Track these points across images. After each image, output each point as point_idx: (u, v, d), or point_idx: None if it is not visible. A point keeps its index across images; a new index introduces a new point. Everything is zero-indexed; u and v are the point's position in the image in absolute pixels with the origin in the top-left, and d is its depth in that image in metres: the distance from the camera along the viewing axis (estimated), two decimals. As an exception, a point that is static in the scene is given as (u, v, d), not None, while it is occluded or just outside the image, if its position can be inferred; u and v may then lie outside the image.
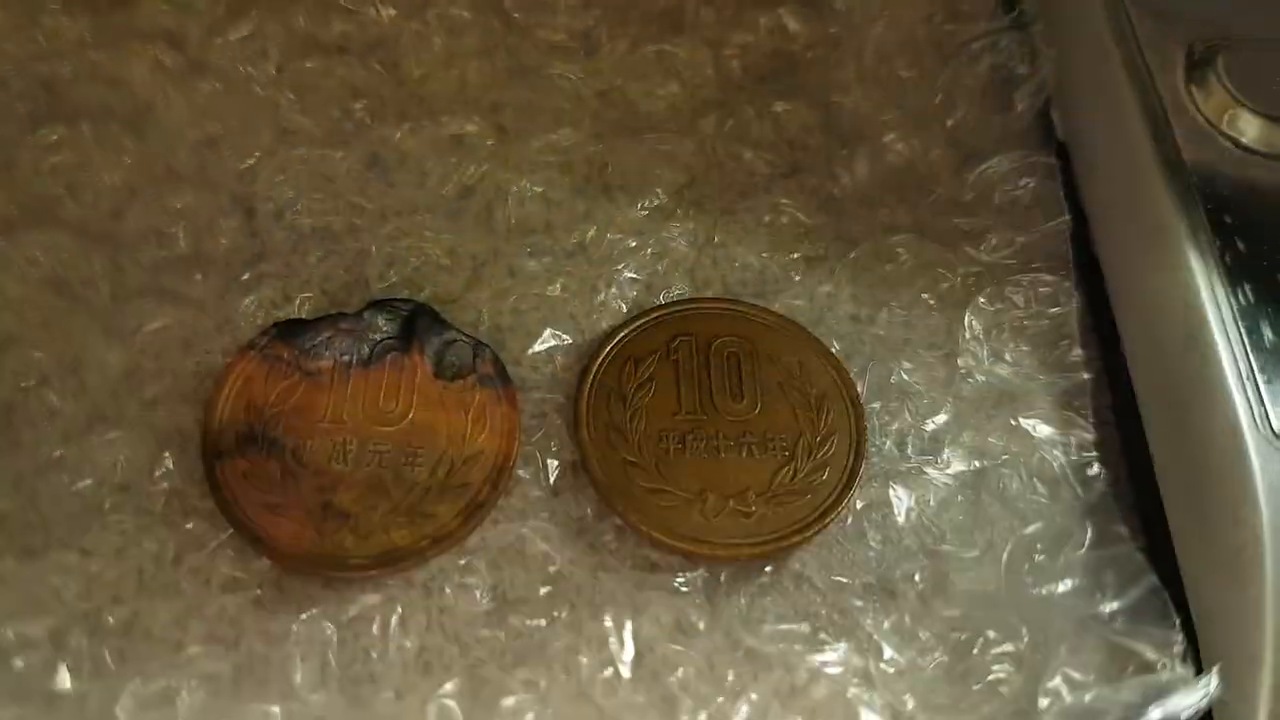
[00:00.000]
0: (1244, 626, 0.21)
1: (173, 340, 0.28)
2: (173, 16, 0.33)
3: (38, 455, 0.26)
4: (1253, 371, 0.23)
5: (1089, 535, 0.24)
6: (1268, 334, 0.23)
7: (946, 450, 0.26)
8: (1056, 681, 0.22)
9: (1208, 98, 0.27)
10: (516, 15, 0.32)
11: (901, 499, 0.25)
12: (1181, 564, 0.23)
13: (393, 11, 0.32)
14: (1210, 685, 0.21)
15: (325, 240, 0.30)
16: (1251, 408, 0.22)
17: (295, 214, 0.30)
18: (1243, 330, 0.23)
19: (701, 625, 0.24)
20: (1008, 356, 0.27)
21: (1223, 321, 0.23)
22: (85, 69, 0.32)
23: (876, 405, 0.27)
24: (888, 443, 0.26)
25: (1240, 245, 0.25)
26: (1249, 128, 0.26)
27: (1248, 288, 0.24)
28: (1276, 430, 0.22)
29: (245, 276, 0.29)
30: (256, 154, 0.31)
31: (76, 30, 0.33)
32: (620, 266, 0.29)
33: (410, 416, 0.26)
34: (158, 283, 0.29)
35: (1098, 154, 0.28)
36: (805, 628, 0.24)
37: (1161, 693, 0.21)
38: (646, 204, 0.30)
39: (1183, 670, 0.22)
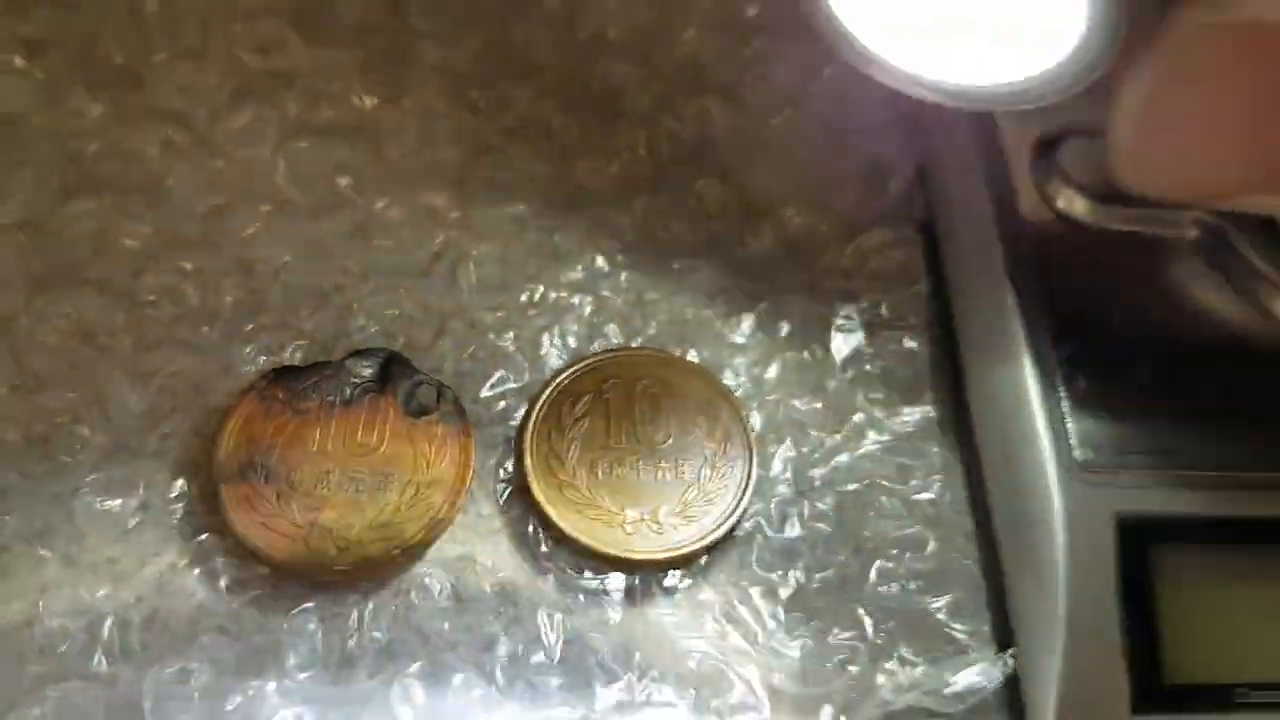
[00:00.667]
0: (1046, 621, 0.26)
1: (185, 383, 0.33)
2: (182, 99, 0.38)
3: (74, 479, 0.31)
4: (1061, 413, 0.28)
5: (931, 546, 0.30)
6: (1081, 381, 0.29)
7: (822, 472, 0.32)
8: (893, 662, 0.27)
9: (1047, 180, 0.32)
10: (481, 105, 0.38)
11: (787, 515, 0.31)
12: (1005, 571, 0.29)
13: (375, 100, 0.38)
14: (1007, 663, 0.27)
15: (314, 297, 0.35)
16: (1057, 442, 0.28)
17: (289, 274, 0.35)
18: (1060, 377, 0.29)
19: (618, 618, 0.29)
20: (875, 397, 0.33)
21: (1042, 369, 0.28)
22: (107, 145, 0.38)
23: (769, 436, 0.32)
24: (776, 468, 0.32)
25: (1063, 305, 0.30)
26: (1078, 206, 0.32)
27: (1068, 341, 0.29)
28: (1078, 460, 0.27)
29: (247, 328, 0.34)
30: (256, 223, 0.36)
31: (98, 109, 0.38)
32: (563, 320, 0.35)
33: (383, 448, 0.31)
34: (172, 334, 0.34)
35: (954, 228, 0.34)
36: (702, 618, 0.29)
37: (969, 666, 0.27)
38: (587, 267, 0.36)
39: (989, 653, 0.28)
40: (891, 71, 0.23)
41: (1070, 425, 0.28)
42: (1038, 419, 0.28)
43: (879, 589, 0.29)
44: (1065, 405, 0.28)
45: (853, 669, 0.28)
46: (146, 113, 0.38)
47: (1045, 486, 0.27)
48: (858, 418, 0.32)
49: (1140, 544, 0.26)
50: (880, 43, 0.23)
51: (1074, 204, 0.31)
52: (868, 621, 0.28)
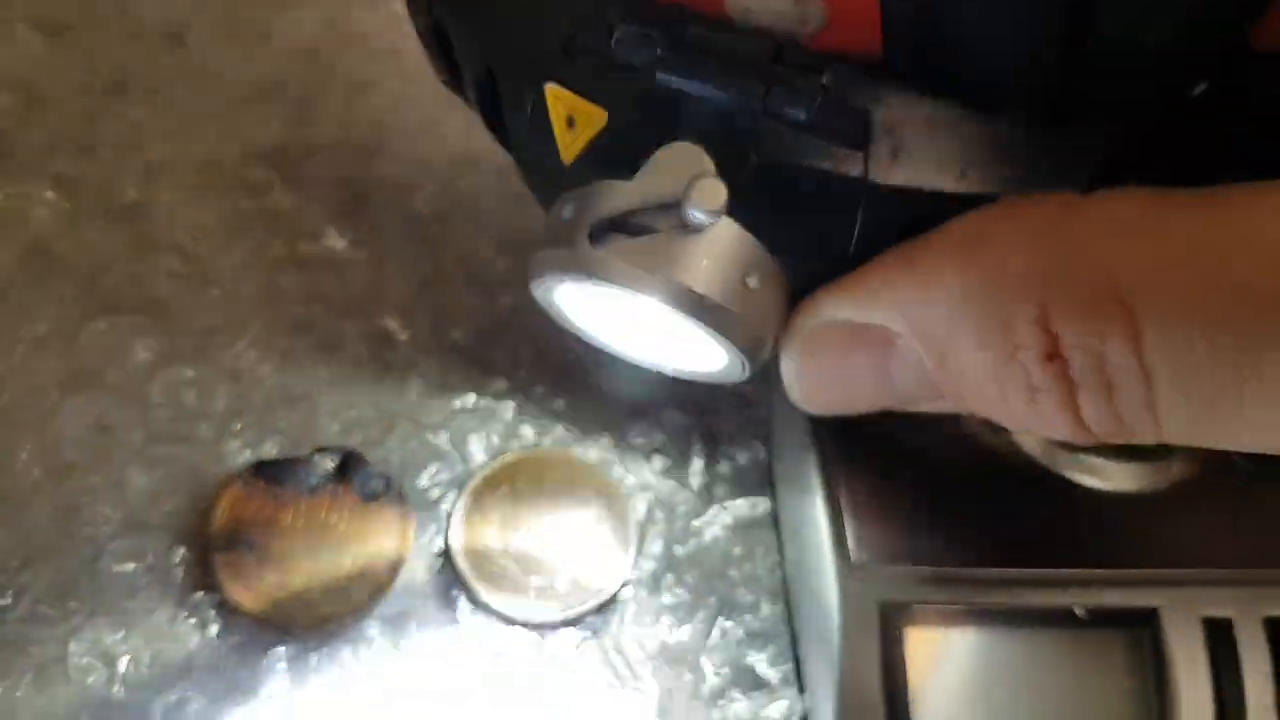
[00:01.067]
0: (826, 678, 0.34)
1: (185, 470, 0.42)
2: (185, 233, 0.47)
3: (95, 546, 0.40)
4: (841, 521, 0.34)
5: (761, 612, 0.39)
6: (860, 493, 0.36)
7: (686, 548, 0.41)
8: (723, 699, 0.36)
9: None
10: (435, 236, 0.47)
11: (659, 582, 0.40)
12: (801, 638, 0.38)
13: (343, 242, 0.47)
14: (804, 702, 0.36)
15: (289, 402, 0.44)
16: (837, 539, 0.33)
17: (270, 384, 0.44)
18: (843, 490, 0.35)
19: (524, 649, 0.38)
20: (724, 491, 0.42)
21: (827, 486, 0.34)
22: (122, 272, 0.46)
23: (647, 519, 0.41)
24: (652, 546, 0.41)
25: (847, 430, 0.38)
26: None
27: (850, 461, 0.37)
28: (851, 557, 0.33)
29: (234, 427, 0.43)
30: (244, 339, 0.45)
31: (114, 239, 0.47)
32: (488, 423, 0.44)
33: (341, 527, 0.40)
34: (174, 429, 0.43)
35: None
36: (592, 663, 0.38)
37: (776, 701, 0.36)
38: (516, 380, 0.45)
39: (792, 692, 0.37)
40: (618, 353, 0.28)
41: (849, 525, 0.33)
42: (824, 523, 0.33)
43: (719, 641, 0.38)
44: (845, 513, 0.34)
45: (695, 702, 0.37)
46: (154, 244, 0.47)
47: (828, 579, 0.33)
48: (713, 509, 0.41)
49: (898, 625, 0.32)
50: (602, 333, 0.28)
51: None
52: (708, 667, 0.38)
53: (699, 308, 0.22)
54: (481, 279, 0.46)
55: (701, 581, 0.40)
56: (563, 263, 0.23)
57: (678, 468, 0.42)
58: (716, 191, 0.21)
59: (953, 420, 0.36)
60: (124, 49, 0.53)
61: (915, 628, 0.32)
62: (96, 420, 0.42)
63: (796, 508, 0.37)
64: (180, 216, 0.47)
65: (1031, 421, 0.21)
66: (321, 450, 0.41)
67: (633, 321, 0.26)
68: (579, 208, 0.23)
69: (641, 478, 0.42)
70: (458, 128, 0.51)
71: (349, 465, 0.41)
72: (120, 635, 0.38)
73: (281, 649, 0.38)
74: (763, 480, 0.42)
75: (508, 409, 0.43)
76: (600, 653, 0.38)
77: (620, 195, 0.22)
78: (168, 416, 0.42)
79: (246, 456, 0.42)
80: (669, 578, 0.40)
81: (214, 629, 0.38)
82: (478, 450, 0.42)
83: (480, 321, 0.46)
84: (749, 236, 0.23)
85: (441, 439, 0.43)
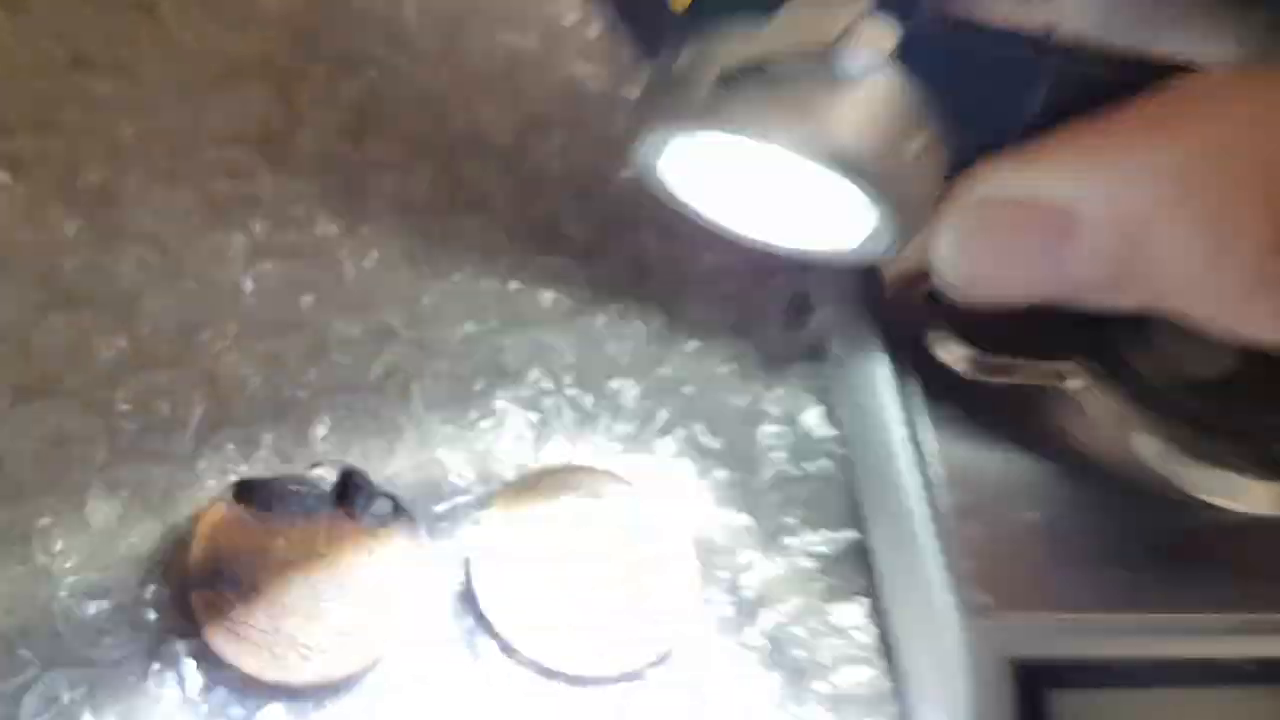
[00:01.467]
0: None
1: (156, 490, 0.36)
2: (154, 223, 0.41)
3: (50, 584, 0.34)
4: (956, 559, 0.29)
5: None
6: (974, 527, 0.31)
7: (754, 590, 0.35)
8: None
9: (928, 330, 0.35)
10: (434, 232, 0.41)
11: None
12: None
13: (334, 229, 0.41)
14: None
15: (278, 409, 0.38)
16: (955, 582, 0.29)
17: (255, 389, 0.38)
18: (954, 521, 0.31)
19: (569, 709, 0.32)
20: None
21: (935, 513, 0.30)
22: (84, 262, 0.40)
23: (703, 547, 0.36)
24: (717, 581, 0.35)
25: (953, 451, 0.32)
26: (957, 357, 0.33)
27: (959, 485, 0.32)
28: (975, 604, 0.28)
29: (214, 438, 0.37)
30: (225, 340, 0.39)
31: (76, 227, 0.41)
32: (510, 431, 0.38)
33: (344, 559, 0.34)
34: (144, 443, 0.37)
35: (854, 366, 0.37)
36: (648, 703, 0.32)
37: None
38: (534, 384, 0.39)
39: None
40: (726, 230, 0.26)
41: (966, 569, 0.28)
42: (931, 563, 0.29)
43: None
44: (961, 547, 0.29)
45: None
46: (121, 232, 0.41)
47: (947, 633, 0.28)
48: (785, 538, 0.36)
49: (1038, 689, 0.26)
50: (712, 206, 0.25)
51: (953, 355, 0.31)
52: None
53: (855, 167, 0.21)
54: (493, 269, 0.40)
55: (778, 631, 0.34)
56: (685, 110, 0.21)
57: (744, 489, 0.36)
58: (883, 35, 0.19)
59: (1083, 438, 0.30)
60: (89, 19, 0.46)
61: (1061, 691, 0.26)
62: (53, 432, 0.36)
63: (894, 540, 0.32)
64: (150, 200, 0.41)
65: (1244, 321, 0.20)
66: (317, 466, 0.35)
67: (753, 189, 0.24)
68: (703, 53, 0.20)
69: (701, 498, 0.36)
70: (459, 103, 0.45)
71: (349, 485, 0.35)
72: (81, 691, 0.32)
73: (275, 709, 0.32)
74: (848, 508, 0.36)
75: (533, 415, 0.38)
76: (660, 715, 0.33)
77: (755, 40, 0.20)
78: (135, 426, 0.36)
79: (228, 475, 0.35)
80: (743, 626, 0.34)
81: (194, 684, 0.32)
82: (501, 465, 0.37)
83: (493, 315, 0.40)
84: (913, 92, 0.20)
85: (457, 453, 0.37)
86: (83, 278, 0.40)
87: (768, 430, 0.38)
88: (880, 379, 0.34)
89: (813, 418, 0.38)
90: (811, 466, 0.37)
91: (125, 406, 0.37)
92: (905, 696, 0.32)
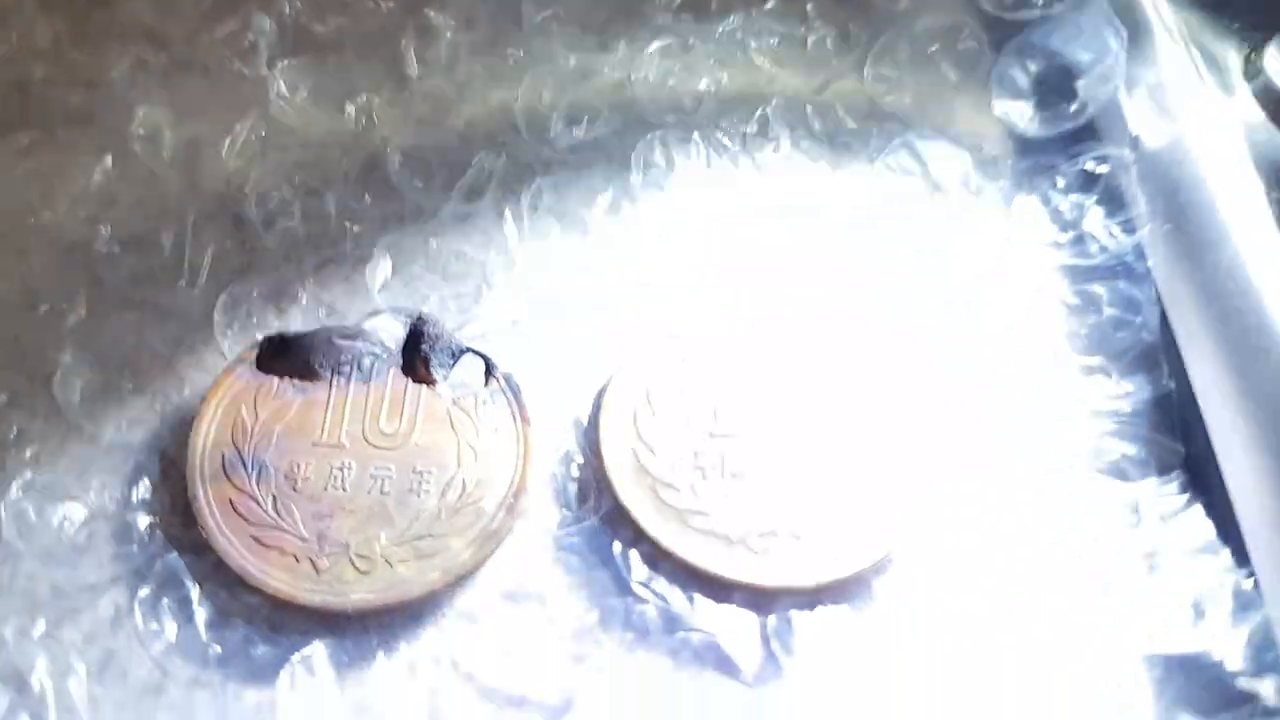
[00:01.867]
0: None
1: (154, 357, 0.25)
2: (155, 16, 0.31)
3: (6, 475, 0.23)
4: None
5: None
6: None
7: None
8: None
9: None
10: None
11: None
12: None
13: (391, 4, 0.30)
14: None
15: (321, 247, 0.27)
16: None
17: (288, 219, 0.27)
18: None
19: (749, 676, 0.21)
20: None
21: None
22: (61, 71, 0.30)
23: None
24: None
25: None
26: None
27: None
28: None
29: (233, 286, 0.26)
30: (247, 155, 0.28)
31: (52, 31, 0.31)
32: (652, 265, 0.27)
33: (415, 437, 0.23)
34: (139, 294, 0.26)
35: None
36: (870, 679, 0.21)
37: None
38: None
39: None
40: None
41: None
42: None
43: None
44: None
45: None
46: (111, 31, 0.30)
47: None
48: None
49: None
50: None
51: None
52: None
53: None
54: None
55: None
56: None
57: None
58: None
59: None
60: None
61: None
62: (19, 284, 0.27)
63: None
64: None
65: None
66: (376, 315, 0.25)
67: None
68: None
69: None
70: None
71: (422, 339, 0.24)
72: (43, 627, 0.21)
73: (315, 649, 0.21)
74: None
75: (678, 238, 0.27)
76: (861, 645, 0.21)
77: None
78: (126, 273, 0.27)
79: (254, 331, 0.25)
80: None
81: (201, 616, 0.21)
82: (635, 310, 0.25)
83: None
84: None
85: (569, 296, 0.26)
86: (59, 88, 0.30)
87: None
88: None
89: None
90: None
91: (113, 247, 0.26)
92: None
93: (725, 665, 0.21)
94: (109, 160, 0.28)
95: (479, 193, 0.28)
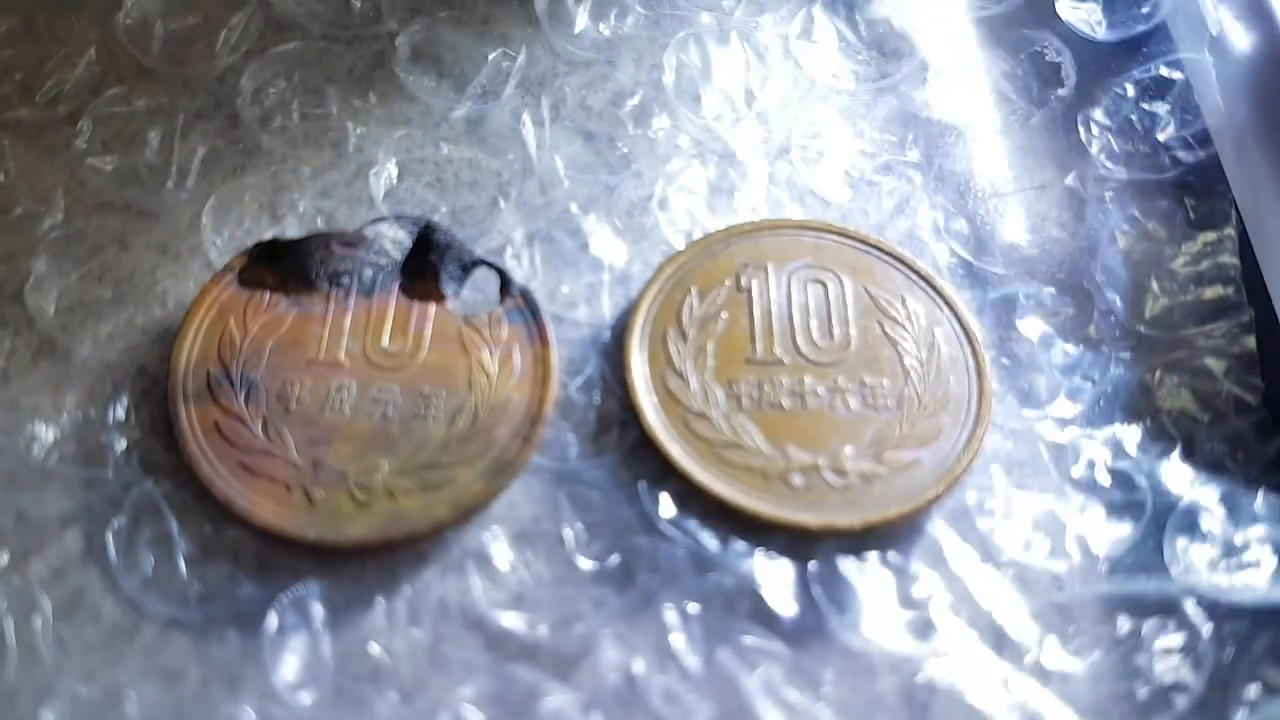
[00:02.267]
0: None
1: (136, 265, 0.23)
2: None
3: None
4: None
5: None
6: None
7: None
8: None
9: None
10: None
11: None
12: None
13: None
14: None
15: (321, 149, 0.25)
16: None
17: (286, 119, 0.25)
18: None
19: (787, 622, 0.19)
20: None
21: None
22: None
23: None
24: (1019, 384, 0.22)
25: None
26: None
27: None
28: None
29: (223, 190, 0.24)
30: (243, 48, 0.26)
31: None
32: (680, 177, 0.24)
33: (421, 357, 0.21)
34: (120, 196, 0.24)
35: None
36: (928, 627, 0.19)
37: None
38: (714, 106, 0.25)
39: None
40: None
41: None
42: None
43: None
44: None
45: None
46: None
47: None
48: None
49: None
50: None
51: None
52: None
53: None
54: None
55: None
56: None
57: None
58: None
59: None
60: None
61: None
62: None
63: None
64: None
65: None
66: (381, 222, 0.22)
67: None
68: None
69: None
70: None
71: (431, 248, 0.22)
72: (5, 560, 0.19)
73: (307, 589, 0.19)
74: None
75: (712, 153, 0.24)
76: (947, 600, 0.19)
77: None
78: (108, 173, 0.24)
79: (245, 238, 0.22)
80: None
81: (181, 550, 0.19)
82: (665, 224, 0.23)
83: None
84: None
85: (597, 206, 0.23)
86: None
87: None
88: None
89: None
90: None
91: (93, 143, 0.24)
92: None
93: (760, 613, 0.19)
94: (93, 52, 0.26)
95: (495, 95, 0.25)
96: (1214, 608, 0.19)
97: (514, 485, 0.20)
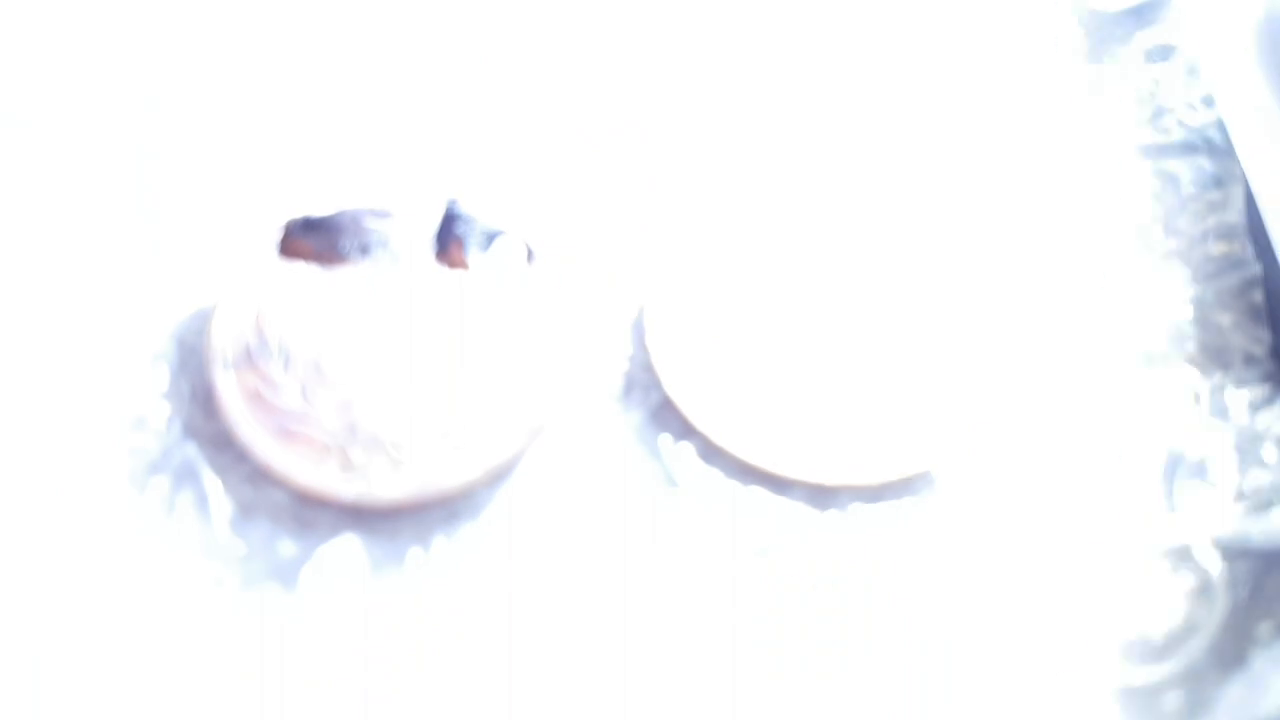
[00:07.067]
0: None
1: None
2: None
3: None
4: None
5: None
6: None
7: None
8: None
9: None
10: None
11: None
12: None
13: None
14: None
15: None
16: None
17: (313, 84, 0.26)
18: None
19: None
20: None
21: None
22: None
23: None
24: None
25: None
26: None
27: None
28: None
29: (255, 163, 0.25)
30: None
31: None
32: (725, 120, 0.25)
33: (451, 324, 0.22)
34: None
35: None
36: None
37: None
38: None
39: None
40: None
41: None
42: None
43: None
44: None
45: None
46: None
47: None
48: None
49: None
50: None
51: None
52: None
53: None
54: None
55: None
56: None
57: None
58: None
59: None
60: None
61: None
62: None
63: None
64: None
65: None
66: (414, 195, 0.23)
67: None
68: None
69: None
70: None
71: (458, 219, 0.22)
72: (50, 529, 0.20)
73: (344, 547, 0.19)
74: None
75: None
76: (926, 548, 0.20)
77: None
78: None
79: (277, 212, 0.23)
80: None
81: (223, 510, 0.20)
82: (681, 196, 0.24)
83: None
84: None
85: (619, 170, 0.24)
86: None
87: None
88: None
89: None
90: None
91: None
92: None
93: (783, 566, 0.20)
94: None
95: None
96: (1226, 549, 0.19)
97: (542, 445, 0.21)
